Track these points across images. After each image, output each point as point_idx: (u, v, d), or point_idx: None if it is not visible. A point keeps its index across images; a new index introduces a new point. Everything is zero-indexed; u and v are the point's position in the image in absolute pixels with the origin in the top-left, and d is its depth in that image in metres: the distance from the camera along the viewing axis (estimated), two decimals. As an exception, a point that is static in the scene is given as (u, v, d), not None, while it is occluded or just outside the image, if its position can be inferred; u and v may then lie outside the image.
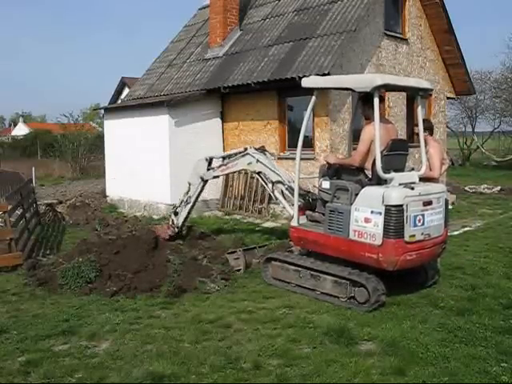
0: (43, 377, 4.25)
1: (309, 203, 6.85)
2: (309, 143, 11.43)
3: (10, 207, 8.83)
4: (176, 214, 8.69)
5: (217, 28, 14.35)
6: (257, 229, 10.81)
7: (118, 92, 32.36)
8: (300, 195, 6.81)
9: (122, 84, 32.56)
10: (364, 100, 6.39)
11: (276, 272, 6.73)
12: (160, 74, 16.17)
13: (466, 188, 16.83)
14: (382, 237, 5.52)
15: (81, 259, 6.86)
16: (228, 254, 7.63)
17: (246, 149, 7.87)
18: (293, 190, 6.89)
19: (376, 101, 5.74)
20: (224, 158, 8.44)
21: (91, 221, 11.77)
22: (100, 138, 22.96)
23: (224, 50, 14.13)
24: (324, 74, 10.47)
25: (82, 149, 25.98)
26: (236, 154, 8.08)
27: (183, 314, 5.75)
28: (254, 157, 7.64)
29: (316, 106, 11.06)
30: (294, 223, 6.61)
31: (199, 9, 17.89)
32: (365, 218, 5.65)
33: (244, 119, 12.93)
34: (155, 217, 12.36)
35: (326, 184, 6.40)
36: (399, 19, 13.12)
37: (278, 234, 9.90)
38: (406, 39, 13.15)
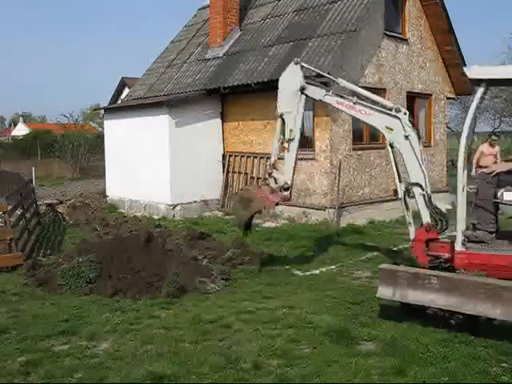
0: (43, 377, 4.25)
1: (440, 222, 5.77)
2: (309, 143, 11.44)
3: (10, 207, 8.83)
4: (275, 167, 6.68)
5: (217, 28, 14.35)
6: (257, 229, 10.80)
7: (118, 92, 32.33)
8: (430, 211, 5.74)
9: (122, 84, 32.54)
10: None
11: None
12: (160, 74, 16.18)
13: (471, 187, 16.77)
14: None
15: (81, 259, 6.87)
16: None
17: (398, 110, 5.91)
18: (430, 199, 5.76)
19: None
20: (353, 92, 6.39)
21: (91, 221, 11.78)
22: (100, 138, 22.98)
23: (224, 50, 14.13)
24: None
25: (82, 149, 25.99)
26: (377, 103, 6.18)
27: (183, 314, 5.74)
28: (404, 129, 5.83)
29: (316, 106, 11.15)
30: (459, 247, 5.48)
31: (199, 9, 17.89)
32: None
33: (244, 119, 12.93)
34: (155, 217, 12.37)
35: (510, 195, 5.37)
36: (399, 19, 13.11)
37: (278, 234, 9.92)
38: (406, 39, 13.15)
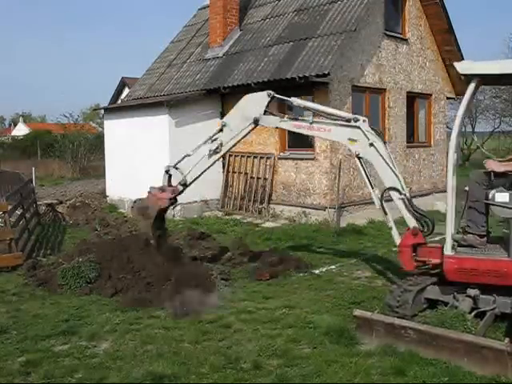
0: (43, 377, 4.25)
1: (426, 225, 5.57)
2: (309, 143, 11.44)
3: (10, 207, 8.83)
4: (176, 168, 6.97)
5: (217, 28, 14.35)
6: (257, 229, 10.81)
7: (118, 92, 32.33)
8: (414, 214, 5.54)
9: (122, 84, 32.54)
10: None
11: None
12: (160, 74, 16.17)
13: (466, 188, 16.76)
14: None
15: (81, 259, 6.86)
16: None
17: (356, 119, 5.75)
18: (410, 201, 5.57)
19: None
20: (307, 108, 6.36)
21: (91, 221, 11.78)
22: (100, 138, 22.98)
23: (224, 50, 14.14)
24: (324, 74, 10.48)
25: (82, 149, 25.99)
26: (337, 118, 6.00)
27: (183, 314, 5.74)
28: (366, 136, 5.69)
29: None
30: (448, 252, 5.20)
31: (199, 9, 17.89)
32: None
33: (244, 119, 12.89)
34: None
35: (502, 197, 5.10)
36: (399, 19, 13.12)
37: (278, 234, 9.91)
38: (406, 39, 13.15)
